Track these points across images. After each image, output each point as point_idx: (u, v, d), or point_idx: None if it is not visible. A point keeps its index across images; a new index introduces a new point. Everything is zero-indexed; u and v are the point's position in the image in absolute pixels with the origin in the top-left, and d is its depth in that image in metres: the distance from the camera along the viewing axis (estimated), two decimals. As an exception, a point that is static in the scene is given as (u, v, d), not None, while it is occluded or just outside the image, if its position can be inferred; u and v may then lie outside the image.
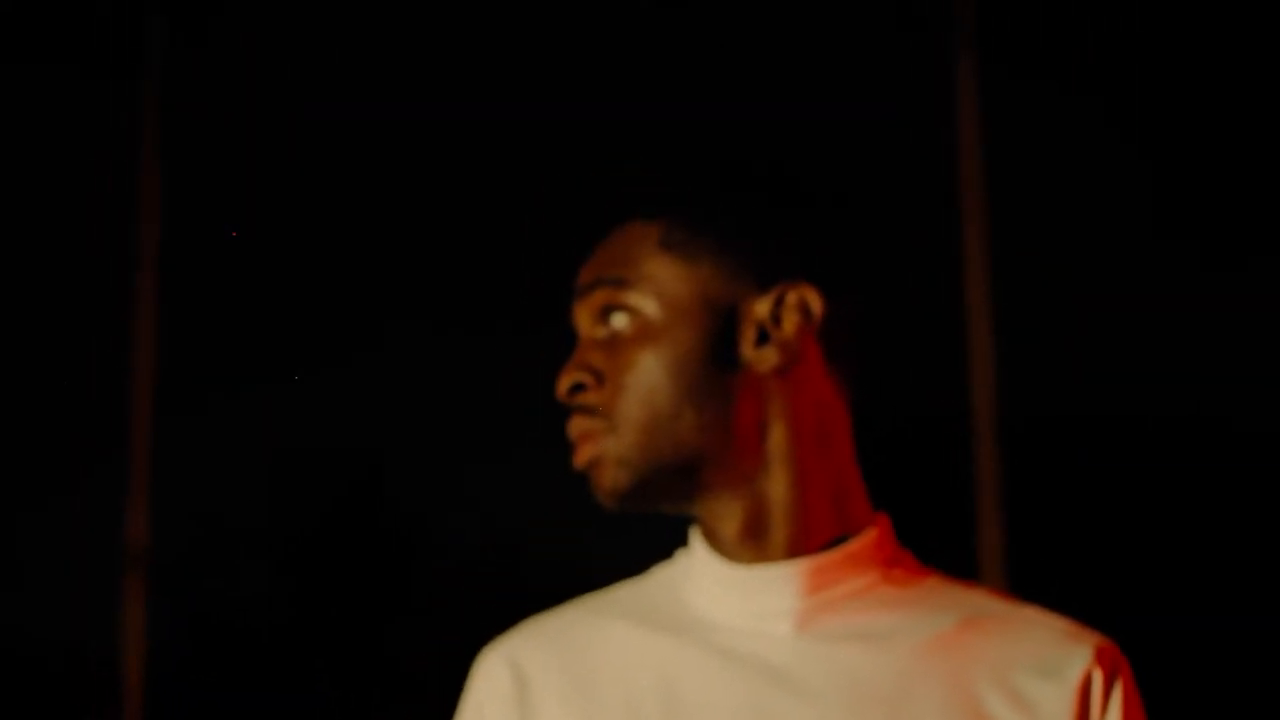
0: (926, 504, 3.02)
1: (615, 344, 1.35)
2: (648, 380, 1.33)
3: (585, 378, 1.35)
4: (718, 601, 1.34)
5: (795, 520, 1.34)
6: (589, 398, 1.34)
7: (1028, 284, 3.16)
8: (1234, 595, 3.01)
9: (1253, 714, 2.98)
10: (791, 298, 1.34)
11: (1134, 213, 3.16)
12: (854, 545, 1.35)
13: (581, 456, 1.35)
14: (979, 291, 3.15)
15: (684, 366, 1.33)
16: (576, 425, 1.35)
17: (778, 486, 1.34)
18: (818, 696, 1.28)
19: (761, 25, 3.26)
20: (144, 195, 3.35)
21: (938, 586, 1.37)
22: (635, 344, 1.34)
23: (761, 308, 1.34)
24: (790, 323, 1.34)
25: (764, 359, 1.34)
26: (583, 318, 1.38)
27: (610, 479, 1.33)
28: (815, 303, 1.34)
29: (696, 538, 1.38)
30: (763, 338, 1.34)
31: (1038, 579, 3.01)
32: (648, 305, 1.34)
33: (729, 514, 1.34)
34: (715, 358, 1.33)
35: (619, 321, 1.35)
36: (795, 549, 1.33)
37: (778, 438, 1.34)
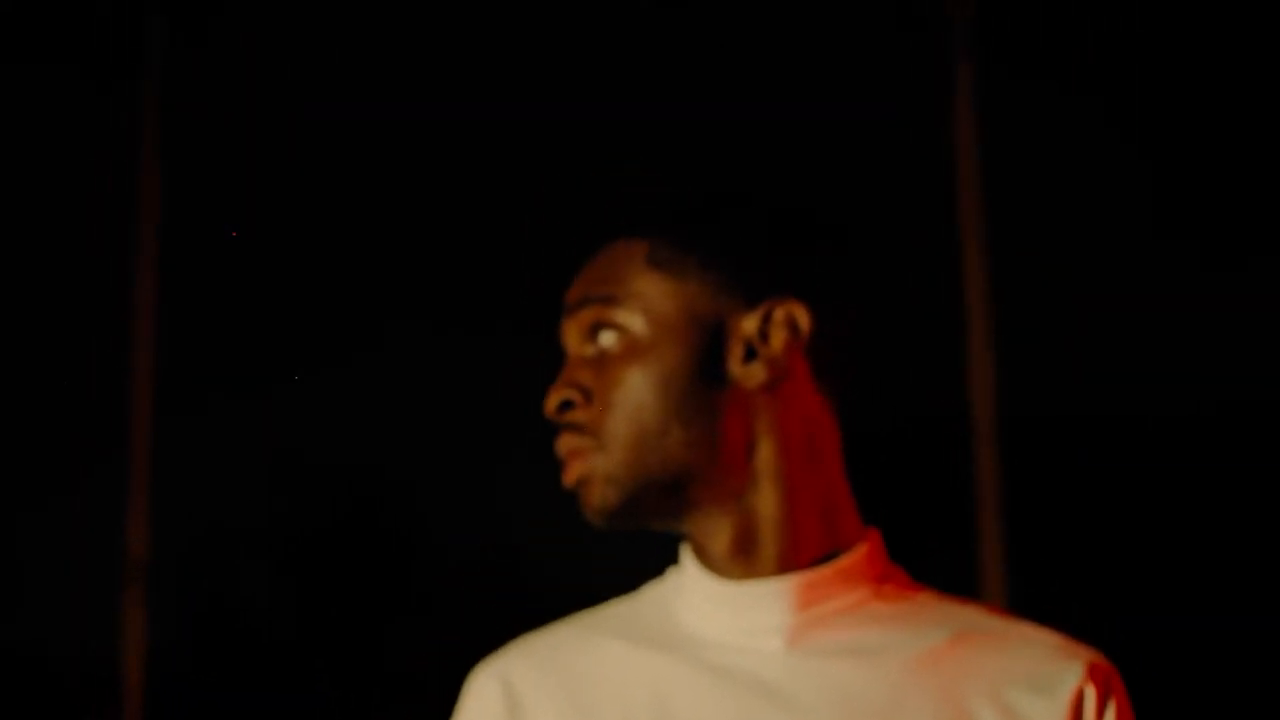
0: (926, 505, 3.02)
1: (603, 362, 1.35)
2: (635, 398, 1.33)
3: (573, 395, 1.35)
4: (709, 618, 1.34)
5: (785, 536, 1.34)
6: (577, 415, 1.35)
7: (1026, 285, 3.16)
8: (1233, 595, 3.01)
9: (1252, 714, 2.98)
10: (779, 314, 1.34)
11: (1132, 213, 3.16)
12: (845, 561, 1.34)
13: (570, 474, 1.35)
14: (977, 292, 3.15)
15: (671, 383, 1.33)
16: (565, 443, 1.35)
17: (766, 502, 1.34)
18: (809, 712, 1.28)
19: (760, 26, 3.26)
20: (144, 195, 3.35)
21: (929, 602, 1.37)
22: (623, 361, 1.34)
23: (749, 324, 1.34)
24: (778, 339, 1.34)
25: (751, 375, 1.34)
26: (571, 335, 1.38)
27: (599, 497, 1.33)
28: (803, 319, 1.34)
29: (687, 555, 1.38)
30: (750, 354, 1.34)
31: (1038, 579, 3.01)
32: (635, 322, 1.34)
33: (718, 530, 1.34)
34: (703, 374, 1.33)
35: (607, 339, 1.35)
36: (785, 565, 1.33)
37: (766, 454, 1.34)
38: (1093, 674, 1.32)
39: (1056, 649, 1.34)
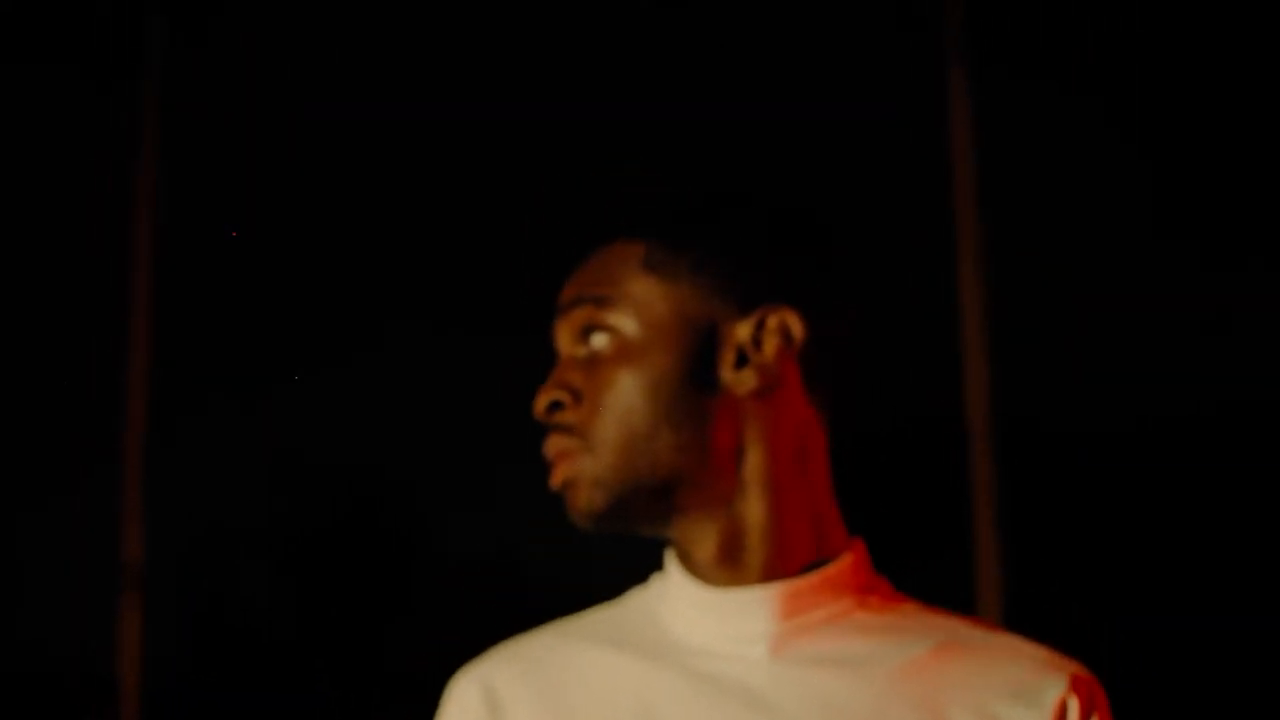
0: (922, 506, 3.02)
1: (594, 363, 1.34)
2: (625, 400, 1.32)
3: (563, 396, 1.34)
4: (694, 624, 1.34)
5: (771, 544, 1.34)
6: (566, 416, 1.34)
7: (1021, 286, 3.16)
8: (1233, 596, 3.01)
9: (1252, 714, 2.98)
10: (772, 321, 1.34)
11: (1128, 214, 3.16)
12: (830, 570, 1.34)
13: (557, 476, 1.34)
14: (973, 293, 3.15)
15: (662, 387, 1.32)
16: (553, 444, 1.34)
17: (754, 510, 1.33)
18: None
19: (758, 27, 3.26)
20: (142, 195, 3.35)
21: (913, 613, 1.36)
22: (614, 363, 1.33)
23: (742, 330, 1.33)
24: (770, 346, 1.34)
25: (742, 382, 1.33)
26: (563, 336, 1.37)
27: (585, 499, 1.33)
28: (796, 326, 1.34)
29: (672, 561, 1.37)
30: (742, 360, 1.33)
31: (1034, 580, 3.01)
32: (628, 325, 1.34)
33: (704, 536, 1.34)
34: (694, 379, 1.32)
35: (599, 341, 1.34)
36: (771, 573, 1.33)
37: (755, 461, 1.34)
38: (1076, 686, 1.32)
39: (1040, 661, 1.33)
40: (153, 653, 3.17)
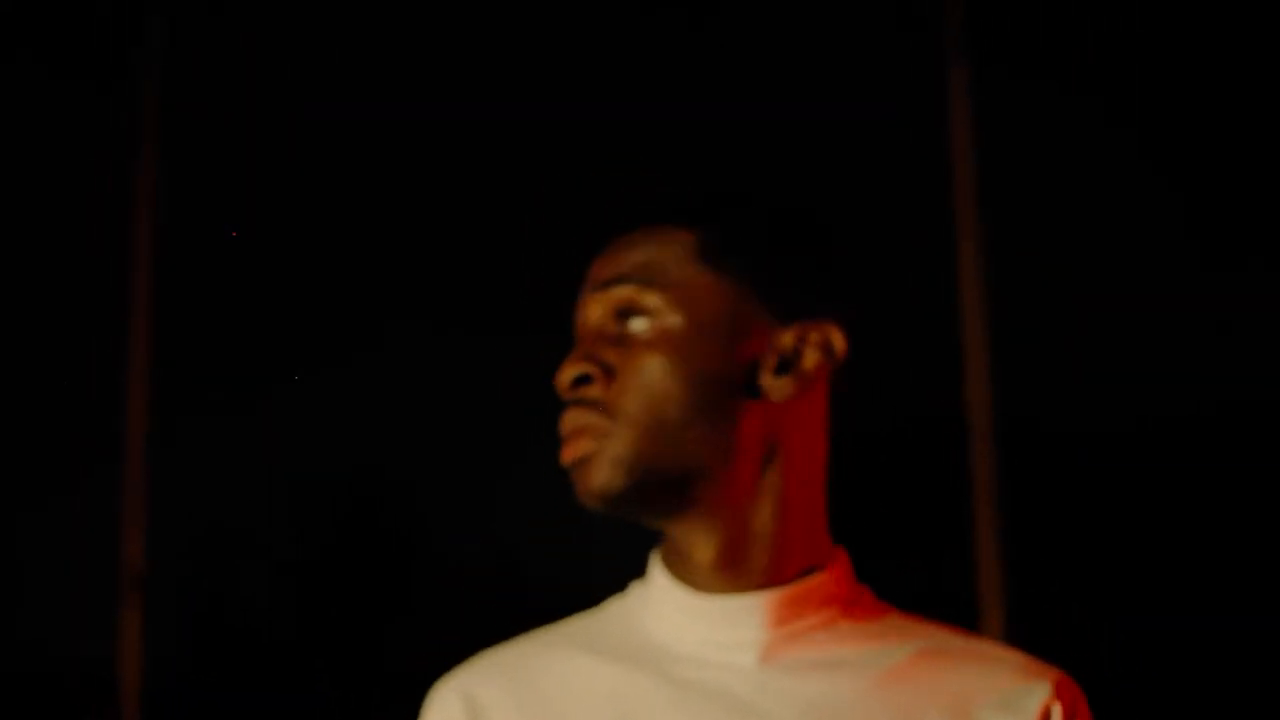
0: (924, 506, 3.02)
1: (631, 344, 1.32)
2: (663, 386, 1.31)
3: (594, 370, 1.32)
4: (681, 631, 1.34)
5: (773, 551, 1.34)
6: (593, 392, 1.32)
7: (1022, 285, 3.16)
8: (1233, 595, 3.02)
9: (1252, 714, 2.98)
10: (815, 334, 1.34)
11: (1129, 213, 3.16)
12: (820, 578, 1.35)
13: (574, 451, 1.32)
14: (974, 292, 3.15)
15: (702, 381, 1.31)
16: (573, 419, 1.33)
17: (762, 515, 1.34)
18: None
19: (758, 28, 3.26)
20: (142, 195, 3.35)
21: (895, 621, 1.37)
22: (654, 348, 1.32)
23: (786, 338, 1.34)
24: (811, 359, 1.34)
25: (781, 389, 1.33)
26: (594, 310, 1.35)
27: (602, 478, 1.31)
28: (839, 343, 1.35)
29: (657, 567, 1.37)
30: (782, 368, 1.34)
31: (1035, 579, 3.01)
32: (674, 313, 1.32)
33: (708, 537, 1.33)
34: (734, 378, 1.32)
35: (639, 324, 1.33)
36: (766, 579, 1.34)
37: (774, 467, 1.34)
38: (1059, 691, 1.33)
39: (1022, 667, 1.34)
40: (153, 654, 3.17)
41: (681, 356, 1.32)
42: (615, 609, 1.39)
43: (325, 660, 3.22)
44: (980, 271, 3.15)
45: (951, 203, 3.19)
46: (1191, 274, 3.11)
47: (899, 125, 3.18)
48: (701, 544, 1.34)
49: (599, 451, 1.31)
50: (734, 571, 1.33)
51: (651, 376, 1.31)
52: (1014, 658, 1.35)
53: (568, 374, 1.32)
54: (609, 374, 1.32)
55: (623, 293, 1.33)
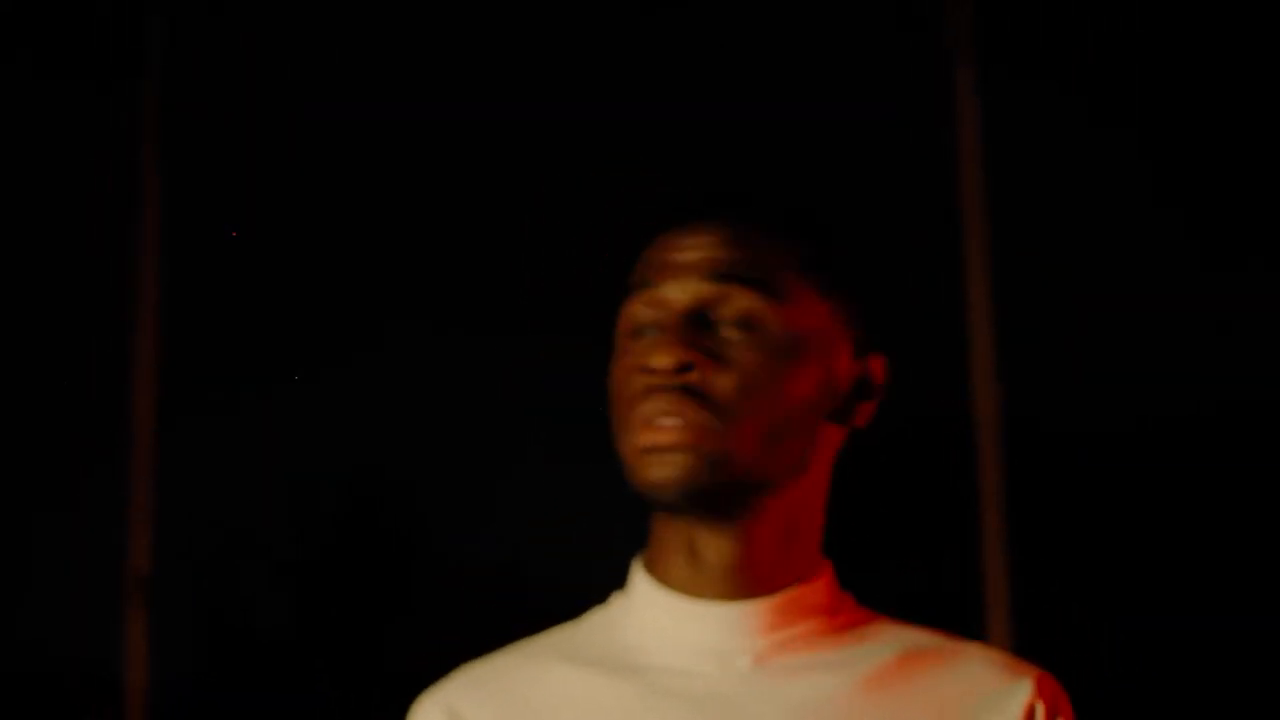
0: (929, 506, 3.01)
1: (739, 346, 1.31)
2: (772, 397, 1.30)
3: (698, 359, 1.30)
4: (669, 637, 1.33)
5: (785, 562, 1.34)
6: (694, 379, 1.29)
7: (1028, 285, 3.16)
8: (1234, 595, 3.01)
9: (1252, 714, 2.98)
10: (877, 364, 1.38)
11: (1134, 213, 3.16)
12: (810, 587, 1.35)
13: (666, 436, 1.29)
14: (980, 291, 3.15)
15: (801, 397, 1.32)
16: (671, 404, 1.29)
17: (789, 528, 1.34)
18: None
19: (762, 26, 3.25)
20: (144, 195, 3.34)
21: (878, 625, 1.37)
22: (766, 356, 1.31)
23: (859, 366, 1.36)
24: (876, 389, 1.37)
25: (860, 414, 1.37)
26: (690, 293, 1.32)
27: (691, 471, 1.29)
28: (883, 375, 1.38)
29: (640, 574, 1.37)
30: (863, 393, 1.37)
31: (1041, 579, 3.01)
32: (786, 325, 1.32)
33: (734, 544, 1.33)
34: (821, 399, 1.34)
35: (748, 327, 1.31)
36: (763, 588, 1.34)
37: (818, 486, 1.36)
38: (1041, 690, 1.33)
39: (1004, 666, 1.35)
40: (158, 656, 3.17)
41: (789, 370, 1.31)
42: (597, 619, 1.39)
43: (330, 662, 3.22)
44: (986, 271, 3.15)
45: (958, 202, 3.19)
46: (1199, 275, 3.10)
47: (905, 125, 3.17)
48: (725, 549, 1.33)
49: (695, 445, 1.29)
50: (743, 578, 1.33)
51: (763, 384, 1.30)
52: (996, 657, 1.36)
53: (674, 357, 1.30)
54: (718, 365, 1.30)
55: (742, 300, 1.32)
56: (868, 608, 1.40)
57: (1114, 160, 3.15)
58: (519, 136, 3.23)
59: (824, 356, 1.33)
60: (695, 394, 1.29)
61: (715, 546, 1.33)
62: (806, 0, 3.26)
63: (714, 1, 3.27)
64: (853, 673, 1.32)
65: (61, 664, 3.19)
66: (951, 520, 3.03)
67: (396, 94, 3.30)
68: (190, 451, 3.25)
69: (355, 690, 3.10)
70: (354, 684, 3.11)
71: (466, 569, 3.18)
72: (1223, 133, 3.15)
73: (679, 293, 1.32)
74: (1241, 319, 3.07)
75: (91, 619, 3.19)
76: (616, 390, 1.33)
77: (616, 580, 1.44)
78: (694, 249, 1.34)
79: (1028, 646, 2.85)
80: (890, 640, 1.36)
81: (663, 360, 1.29)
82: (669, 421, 1.29)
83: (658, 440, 1.29)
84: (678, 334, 1.30)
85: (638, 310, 1.34)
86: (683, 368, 1.29)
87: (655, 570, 1.36)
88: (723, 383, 1.30)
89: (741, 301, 1.31)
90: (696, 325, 1.31)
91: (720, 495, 1.30)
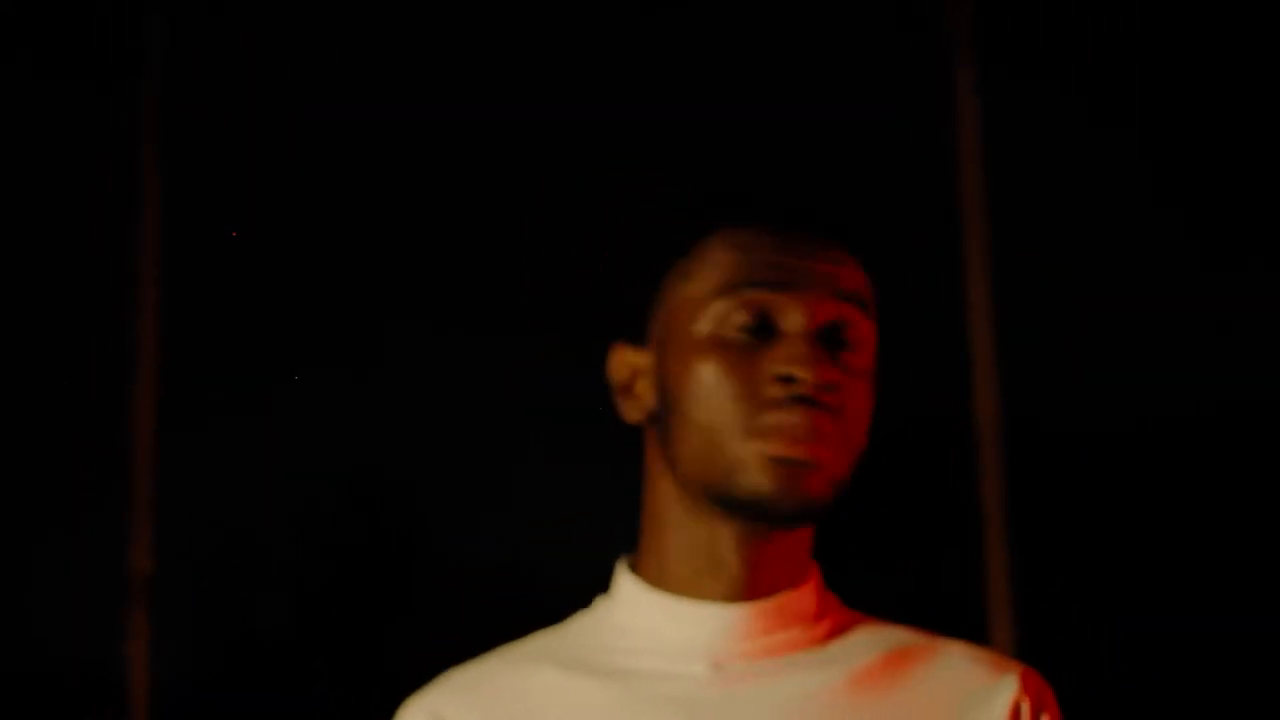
0: (930, 506, 3.01)
1: (845, 368, 1.31)
2: (867, 422, 1.33)
3: (841, 380, 1.30)
4: (662, 640, 1.33)
5: (796, 566, 1.36)
6: (832, 399, 1.29)
7: (1029, 285, 3.16)
8: (1234, 595, 3.01)
9: (1252, 714, 2.98)
10: None
11: (1135, 214, 3.16)
12: (805, 588, 1.36)
13: (808, 452, 1.28)
14: (980, 291, 3.15)
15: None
16: (813, 418, 1.28)
17: (801, 535, 1.36)
18: None
19: (762, 26, 3.25)
20: (144, 196, 3.34)
21: (863, 625, 1.38)
22: (865, 381, 1.33)
23: None
24: None
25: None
26: (826, 313, 1.32)
27: (820, 490, 1.29)
28: None
29: (628, 577, 1.37)
30: None
31: (1042, 580, 3.01)
32: (874, 352, 1.34)
33: (767, 551, 1.33)
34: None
35: (852, 351, 1.32)
36: (767, 590, 1.34)
37: None
38: (1026, 686, 1.34)
39: (989, 664, 1.35)
40: (160, 659, 3.17)
41: (871, 391, 1.33)
42: (582, 622, 1.39)
43: (330, 662, 3.21)
44: (986, 271, 3.15)
45: (958, 203, 3.19)
46: (1199, 275, 3.10)
47: (905, 126, 3.17)
48: (757, 557, 1.33)
49: (825, 465, 1.29)
50: (752, 582, 1.33)
51: (868, 411, 1.32)
52: (981, 655, 1.37)
53: (827, 375, 1.29)
54: (846, 390, 1.31)
55: (861, 326, 1.33)
56: (853, 609, 1.40)
57: (1114, 160, 3.15)
58: (519, 136, 3.23)
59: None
60: (832, 414, 1.29)
61: (748, 554, 1.33)
62: (806, 0, 3.26)
63: (714, 1, 3.27)
64: (839, 673, 1.33)
65: (63, 664, 3.19)
66: (952, 520, 3.03)
67: (396, 94, 3.30)
68: (191, 452, 3.25)
69: (355, 690, 3.10)
70: (354, 684, 3.11)
71: (466, 569, 3.18)
72: (1223, 133, 3.15)
73: (813, 305, 1.31)
74: (1241, 319, 3.07)
75: (93, 619, 3.19)
76: (729, 386, 1.30)
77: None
78: (816, 260, 1.33)
79: (1030, 646, 2.85)
80: (876, 640, 1.36)
81: (820, 376, 1.28)
82: (808, 436, 1.28)
83: (794, 453, 1.28)
84: (824, 350, 1.30)
85: (755, 303, 1.31)
86: (831, 387, 1.29)
87: (649, 572, 1.36)
88: (851, 406, 1.30)
89: (861, 327, 1.32)
90: (830, 343, 1.31)
91: (819, 514, 1.32)
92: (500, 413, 3.12)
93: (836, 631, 1.36)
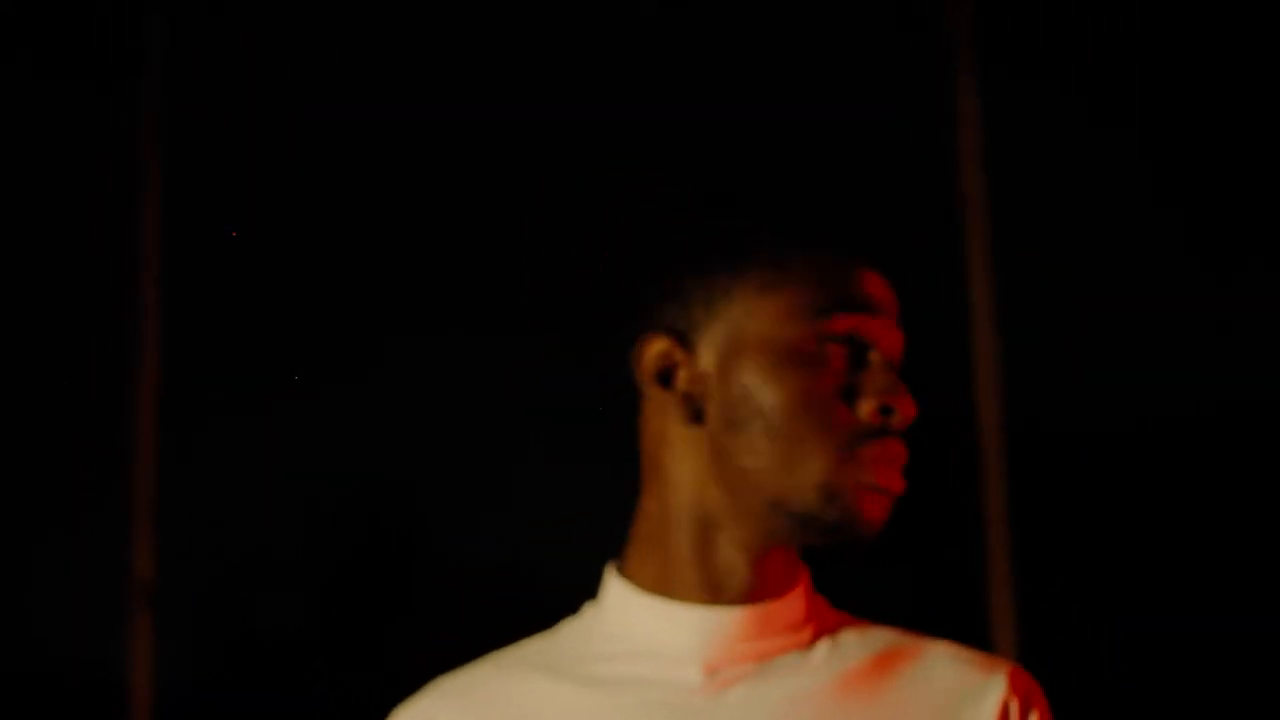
0: (931, 505, 3.01)
1: None
2: None
3: None
4: (654, 644, 1.33)
5: (790, 571, 1.36)
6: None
7: (1031, 285, 3.16)
8: (1235, 595, 3.01)
9: (1252, 714, 2.98)
10: None
11: (1137, 214, 3.15)
12: (796, 591, 1.36)
13: (896, 483, 1.32)
14: (982, 292, 3.15)
15: None
16: (904, 452, 1.33)
17: None
18: None
19: (762, 26, 3.25)
20: (145, 196, 3.34)
21: (851, 627, 1.38)
22: None
23: None
24: None
25: None
26: (895, 338, 1.36)
27: (888, 516, 1.33)
28: None
29: (618, 584, 1.37)
30: None
31: (1044, 581, 3.01)
32: None
33: (777, 564, 1.35)
34: None
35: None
36: (761, 595, 1.35)
37: None
38: (1014, 685, 1.34)
39: (977, 664, 1.36)
40: (164, 666, 3.17)
41: None
42: (572, 629, 1.40)
43: (337, 667, 3.21)
44: (988, 271, 3.15)
45: (959, 203, 3.19)
46: (1199, 275, 3.10)
47: (906, 126, 3.17)
48: (762, 562, 1.34)
49: (900, 493, 1.33)
50: (752, 588, 1.33)
51: None
52: (969, 655, 1.37)
53: (915, 411, 1.32)
54: None
55: (901, 355, 1.37)
56: (840, 610, 1.40)
57: (1114, 160, 3.15)
58: (519, 136, 3.23)
59: None
60: (907, 445, 1.33)
61: (756, 561, 1.33)
62: (807, 1, 3.26)
63: (714, 2, 3.27)
64: (828, 676, 1.33)
65: (66, 669, 3.19)
66: (954, 521, 3.03)
67: (397, 94, 3.30)
68: (192, 453, 3.25)
69: (356, 691, 3.10)
70: (355, 684, 3.11)
71: (466, 569, 3.17)
72: (1223, 133, 3.15)
73: (892, 333, 1.35)
74: (1241, 319, 3.07)
75: (95, 622, 3.18)
76: (828, 409, 1.31)
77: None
78: (882, 289, 1.35)
79: (1031, 646, 2.86)
80: (864, 642, 1.36)
81: (911, 410, 1.32)
82: (898, 468, 1.31)
83: (891, 485, 1.31)
84: (903, 385, 1.33)
85: (849, 327, 1.33)
86: (913, 421, 1.33)
87: (643, 576, 1.36)
88: None
89: (901, 357, 1.36)
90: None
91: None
92: (500, 413, 3.12)
93: (825, 634, 1.36)
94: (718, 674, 1.31)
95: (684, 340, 1.34)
